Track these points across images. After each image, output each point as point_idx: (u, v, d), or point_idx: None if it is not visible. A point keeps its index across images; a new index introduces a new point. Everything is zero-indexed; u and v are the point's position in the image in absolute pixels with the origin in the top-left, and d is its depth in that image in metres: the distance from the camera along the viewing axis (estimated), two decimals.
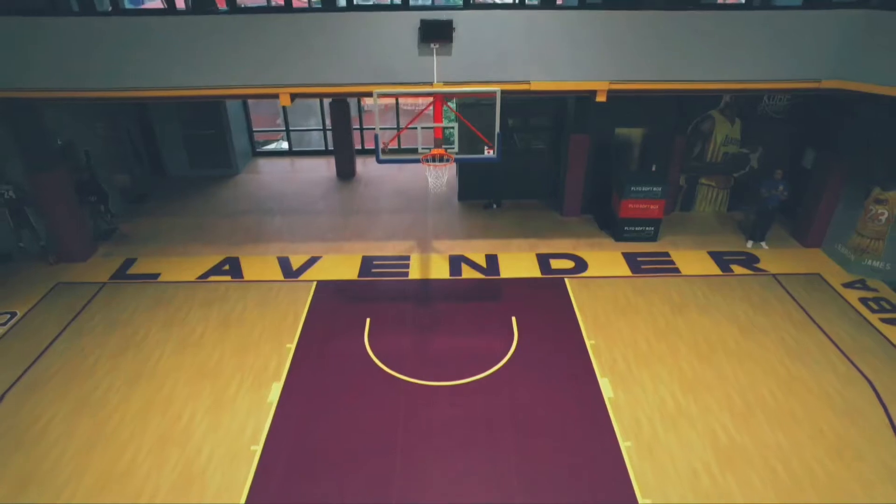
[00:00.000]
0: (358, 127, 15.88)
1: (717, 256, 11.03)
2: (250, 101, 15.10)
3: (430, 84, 8.34)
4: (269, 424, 7.41)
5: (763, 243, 11.31)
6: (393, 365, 8.37)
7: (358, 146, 15.73)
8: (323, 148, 16.28)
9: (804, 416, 7.52)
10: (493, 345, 8.76)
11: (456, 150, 7.89)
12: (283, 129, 16.20)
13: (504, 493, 6.49)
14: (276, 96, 8.69)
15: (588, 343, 8.80)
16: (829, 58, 8.50)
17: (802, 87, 8.80)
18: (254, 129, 15.95)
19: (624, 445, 7.10)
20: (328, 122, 15.26)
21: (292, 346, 8.76)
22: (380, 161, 7.94)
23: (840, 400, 7.80)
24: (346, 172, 14.63)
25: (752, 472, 6.76)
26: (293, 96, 8.70)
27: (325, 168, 15.41)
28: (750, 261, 10.93)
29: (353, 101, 15.02)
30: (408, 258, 11.07)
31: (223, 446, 7.12)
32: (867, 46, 8.27)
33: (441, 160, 7.83)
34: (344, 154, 14.52)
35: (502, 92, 7.56)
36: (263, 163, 15.87)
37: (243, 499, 6.44)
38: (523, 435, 7.23)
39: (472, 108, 11.35)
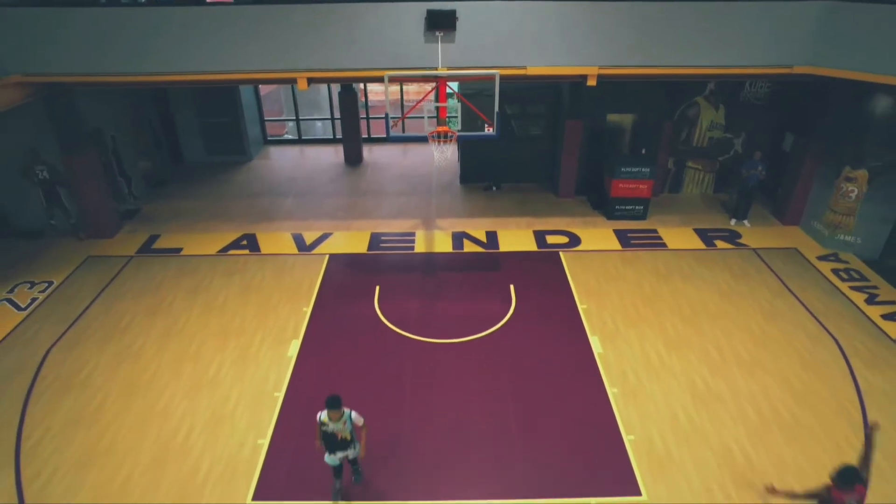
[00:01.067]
0: (365, 116, 16.67)
1: (701, 233, 11.82)
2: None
3: (436, 68, 9.13)
4: (290, 375, 8.21)
5: (745, 221, 12.10)
6: (401, 325, 9.17)
7: (364, 135, 16.53)
8: (331, 136, 17.09)
9: (774, 368, 8.31)
10: (492, 308, 9.55)
11: (459, 127, 8.68)
12: (294, 118, 17.00)
13: (502, 427, 7.28)
14: (294, 80, 9.49)
15: (580, 307, 9.59)
16: (800, 45, 9.28)
17: (776, 72, 9.60)
18: (265, 119, 16.76)
19: (611, 392, 7.89)
20: (336, 112, 16.07)
21: (308, 310, 9.55)
22: (389, 138, 8.73)
23: (807, 355, 8.58)
24: (353, 158, 15.44)
25: (725, 414, 7.55)
26: (310, 80, 9.50)
27: (332, 155, 16.22)
28: (732, 237, 11.72)
29: (357, 99, 15.81)
30: (413, 234, 11.86)
31: (249, 392, 7.91)
32: (835, 34, 9.04)
33: (446, 137, 8.62)
34: (351, 141, 15.33)
35: (501, 76, 8.38)
36: (274, 150, 16.68)
37: (269, 436, 7.23)
38: (520, 383, 8.02)
39: (475, 98, 12.11)
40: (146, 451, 7.03)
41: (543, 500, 6.40)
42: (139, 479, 6.67)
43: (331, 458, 6.14)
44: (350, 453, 6.14)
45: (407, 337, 8.93)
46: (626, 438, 7.18)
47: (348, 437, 6.00)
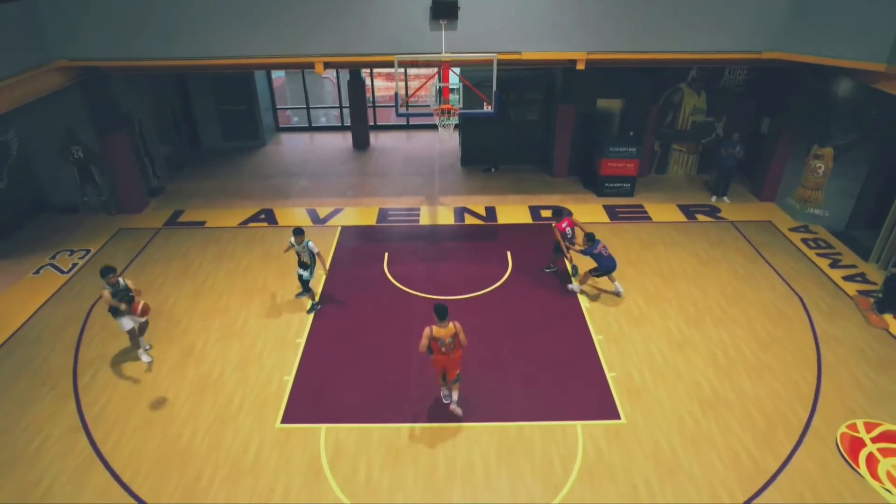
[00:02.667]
0: (371, 104, 17.66)
1: (684, 208, 12.81)
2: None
3: (440, 53, 10.11)
4: (310, 325, 9.19)
5: (725, 198, 13.08)
6: (408, 284, 10.15)
7: (371, 122, 17.53)
8: (339, 124, 18.09)
9: (743, 320, 9.29)
10: (491, 271, 10.52)
11: (460, 106, 9.66)
12: (304, 106, 18.00)
13: (499, 367, 8.26)
14: (312, 65, 10.48)
15: (570, 269, 10.56)
16: (768, 32, 10.26)
17: (747, 57, 10.60)
18: (277, 107, 17.76)
19: (596, 338, 8.87)
20: (344, 100, 17.05)
21: (324, 273, 10.52)
22: (399, 114, 9.70)
23: (774, 310, 9.56)
24: (361, 143, 16.45)
25: (697, 356, 8.53)
26: (326, 64, 10.48)
27: (341, 140, 17.22)
28: (713, 211, 12.70)
29: (365, 88, 16.79)
30: (418, 209, 12.85)
31: (273, 339, 8.89)
32: (800, 21, 10.02)
33: (449, 114, 9.60)
34: (359, 127, 16.33)
35: (498, 60, 9.36)
36: (286, 137, 17.69)
37: (293, 373, 8.21)
38: (515, 331, 9.01)
39: (477, 87, 13.13)
40: (186, 385, 8.02)
41: (537, 422, 7.36)
42: (182, 405, 7.65)
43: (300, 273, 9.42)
44: (305, 274, 9.33)
45: (414, 294, 9.91)
46: (609, 375, 8.16)
47: (307, 262, 9.22)
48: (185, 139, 16.00)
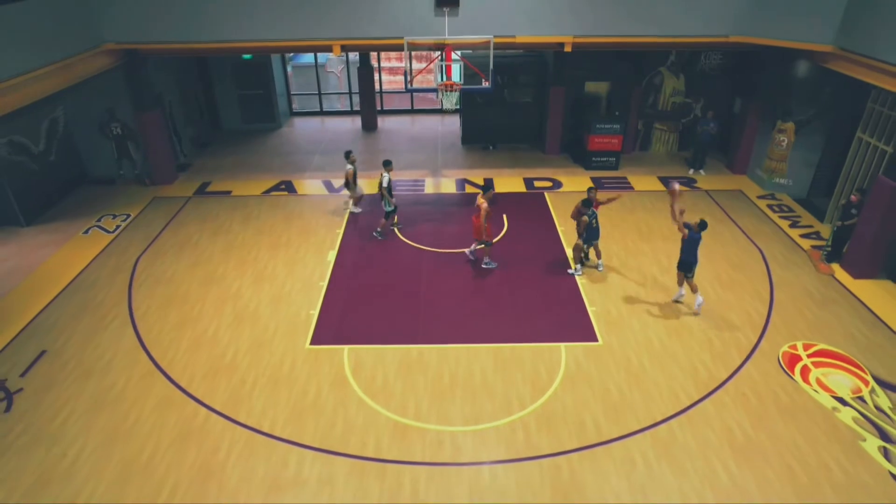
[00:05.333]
0: (379, 90, 19.01)
1: (664, 180, 14.14)
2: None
3: (443, 37, 11.44)
4: (330, 271, 10.53)
5: (702, 171, 14.43)
6: (416, 240, 11.50)
7: (378, 107, 18.88)
8: (348, 109, 19.46)
9: (709, 267, 10.61)
10: (490, 230, 11.83)
11: (461, 82, 11.01)
12: (316, 92, 19.35)
13: (495, 300, 9.60)
14: (330, 48, 11.82)
15: (559, 229, 11.92)
16: (734, 17, 11.60)
17: (716, 41, 11.94)
18: (292, 93, 19.12)
19: (580, 282, 10.21)
20: (354, 87, 18.38)
21: (341, 231, 11.89)
22: (408, 90, 11.04)
23: (737, 260, 10.90)
24: (370, 125, 17.81)
25: (666, 295, 9.85)
26: (343, 48, 11.82)
27: (350, 124, 18.59)
28: (689, 182, 14.05)
29: (373, 74, 18.12)
30: (423, 181, 14.20)
31: (300, 282, 10.24)
32: (762, 8, 11.34)
33: (451, 89, 10.94)
34: (368, 110, 17.68)
35: (494, 43, 10.70)
36: (299, 120, 19.04)
37: (318, 308, 9.55)
38: (509, 275, 10.35)
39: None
40: (226, 317, 9.36)
41: (527, 343, 8.71)
42: (224, 333, 9.00)
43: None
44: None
45: (421, 248, 11.25)
46: (590, 309, 9.50)
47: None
48: (208, 121, 17.33)
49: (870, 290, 9.93)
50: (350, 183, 11.97)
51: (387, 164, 11.00)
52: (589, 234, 10.15)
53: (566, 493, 6.45)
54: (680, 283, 9.58)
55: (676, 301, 9.69)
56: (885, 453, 6.89)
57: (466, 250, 10.85)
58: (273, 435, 7.21)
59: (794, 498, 6.37)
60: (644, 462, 6.81)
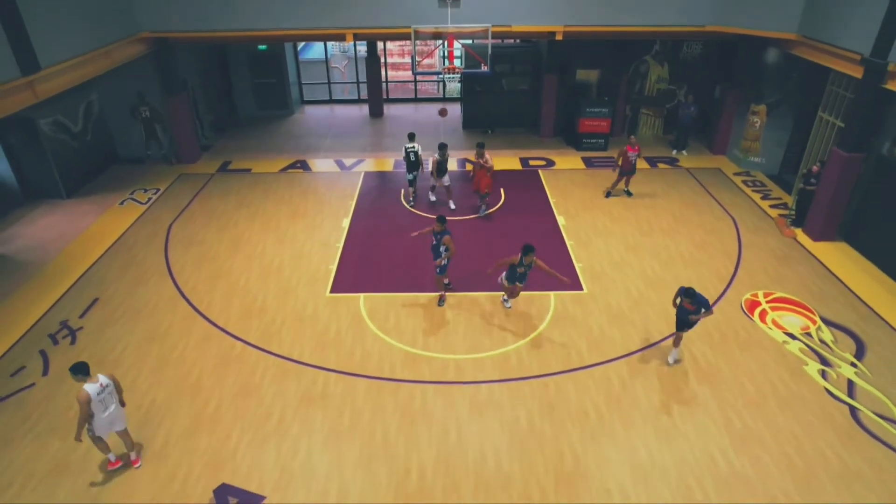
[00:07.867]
0: (385, 81, 20.21)
1: (648, 159, 15.35)
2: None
3: (447, 26, 12.62)
4: (345, 235, 11.73)
5: (684, 151, 15.63)
6: (422, 210, 12.69)
7: (384, 96, 20.08)
8: (356, 97, 20.67)
9: (685, 232, 11.82)
10: (489, 201, 13.06)
11: (462, 66, 12.20)
12: (326, 81, 20.55)
13: (494, 258, 10.78)
14: (343, 37, 13.02)
15: (551, 201, 13.11)
16: (709, 7, 12.78)
17: (694, 30, 13.12)
18: (302, 83, 20.33)
19: (569, 243, 11.42)
20: (361, 76, 19.58)
21: (353, 203, 13.08)
22: (414, 74, 12.23)
23: (711, 226, 12.10)
24: (376, 112, 19.02)
25: (646, 253, 11.06)
26: (355, 36, 13.02)
27: (358, 111, 19.79)
28: (672, 161, 15.25)
29: (380, 64, 19.31)
30: (427, 160, 15.36)
31: (318, 244, 11.44)
32: None
33: (453, 72, 12.13)
34: (375, 98, 18.88)
35: (492, 31, 11.89)
36: (309, 108, 20.25)
37: (335, 263, 10.74)
38: (507, 240, 11.53)
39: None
40: (254, 272, 10.55)
41: (521, 293, 9.88)
42: (253, 284, 10.20)
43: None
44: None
45: (427, 217, 12.45)
46: (577, 265, 10.70)
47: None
48: (226, 107, 18.52)
49: (827, 251, 11.14)
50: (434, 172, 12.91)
51: (412, 137, 12.72)
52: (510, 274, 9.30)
53: (552, 403, 7.65)
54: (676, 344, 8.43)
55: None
56: (823, 374, 8.10)
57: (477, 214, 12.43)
58: (301, 361, 8.41)
59: (745, 409, 7.57)
60: (620, 381, 8.02)
